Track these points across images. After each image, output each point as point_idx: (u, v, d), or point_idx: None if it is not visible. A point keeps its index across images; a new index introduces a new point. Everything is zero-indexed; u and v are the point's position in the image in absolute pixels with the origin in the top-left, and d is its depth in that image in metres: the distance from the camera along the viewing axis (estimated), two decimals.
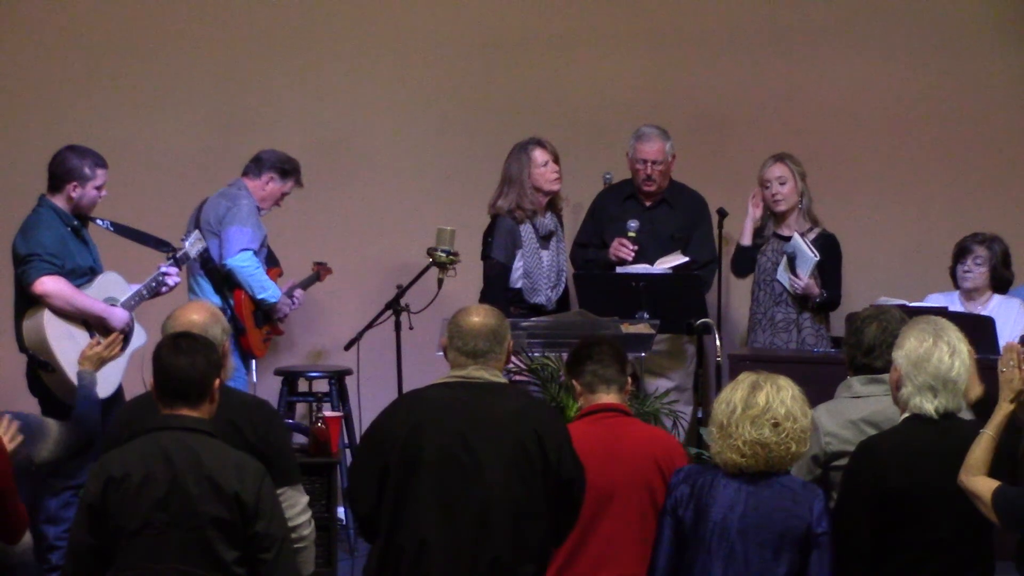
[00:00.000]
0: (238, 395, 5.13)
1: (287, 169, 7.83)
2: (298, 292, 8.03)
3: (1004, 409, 4.59)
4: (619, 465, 5.14)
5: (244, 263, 7.59)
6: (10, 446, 5.23)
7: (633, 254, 7.73)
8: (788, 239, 7.75)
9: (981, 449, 4.55)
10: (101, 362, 6.03)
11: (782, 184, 7.74)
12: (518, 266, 7.79)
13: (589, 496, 4.99)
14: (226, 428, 4.85)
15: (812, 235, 7.77)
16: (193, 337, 4.71)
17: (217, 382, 4.63)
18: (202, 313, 5.13)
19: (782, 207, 7.77)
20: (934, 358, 4.72)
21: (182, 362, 4.60)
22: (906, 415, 4.77)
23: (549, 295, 7.85)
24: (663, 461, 5.15)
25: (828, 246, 7.76)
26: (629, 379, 5.35)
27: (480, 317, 4.97)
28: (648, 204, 7.96)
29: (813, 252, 7.58)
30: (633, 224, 7.82)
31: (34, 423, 5.56)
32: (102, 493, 4.52)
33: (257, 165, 7.82)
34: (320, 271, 8.31)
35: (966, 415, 4.87)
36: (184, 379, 4.59)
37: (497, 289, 7.71)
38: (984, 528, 4.64)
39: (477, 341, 4.91)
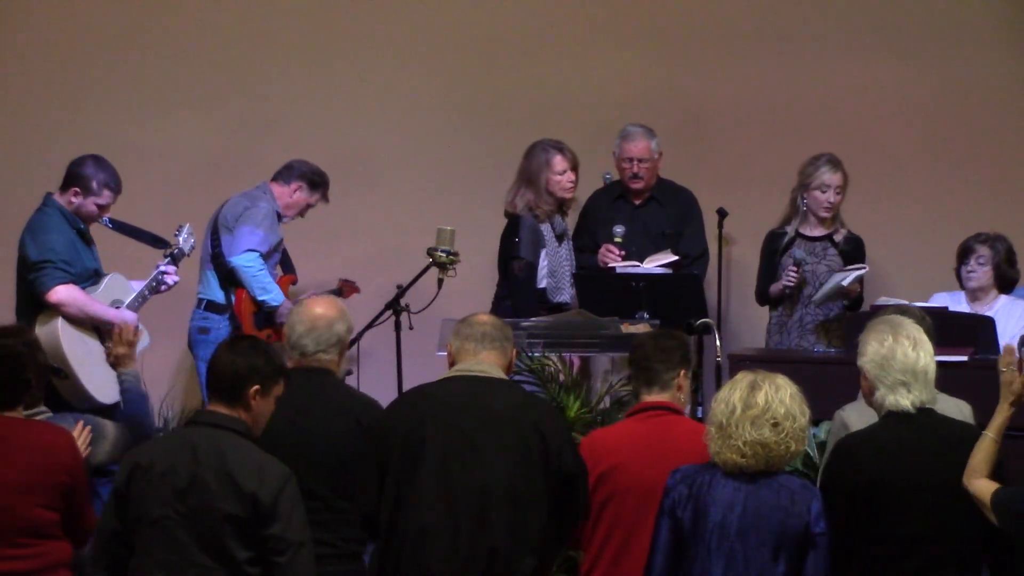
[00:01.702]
0: (358, 395, 5.28)
1: (316, 181, 7.88)
2: None
3: (1004, 411, 4.60)
4: (665, 464, 5.08)
5: (248, 263, 7.60)
6: (83, 451, 5.30)
7: (620, 259, 7.73)
8: (814, 239, 7.74)
9: (983, 451, 4.57)
10: (129, 357, 5.99)
11: (838, 193, 7.70)
12: (543, 265, 7.80)
13: (634, 496, 5.02)
14: (351, 425, 5.01)
15: (839, 236, 7.75)
16: (252, 340, 4.78)
17: (254, 389, 4.62)
18: (330, 308, 5.29)
19: (830, 214, 7.72)
20: (898, 354, 4.77)
21: (226, 359, 4.68)
22: (883, 414, 4.79)
23: (571, 292, 7.86)
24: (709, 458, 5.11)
25: (856, 246, 7.74)
26: (680, 372, 5.28)
27: (489, 316, 5.12)
28: (637, 203, 7.98)
29: (862, 267, 7.56)
30: (619, 229, 7.84)
31: (91, 424, 5.57)
32: (127, 480, 4.60)
33: (288, 172, 7.86)
34: (344, 288, 8.28)
35: (953, 407, 4.91)
36: (222, 375, 4.66)
37: (527, 289, 7.72)
38: (968, 526, 4.65)
39: (486, 328, 5.01)
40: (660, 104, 8.51)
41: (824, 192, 7.69)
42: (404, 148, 8.79)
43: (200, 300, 7.77)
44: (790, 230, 7.80)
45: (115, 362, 5.96)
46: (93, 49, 8.78)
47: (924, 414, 4.76)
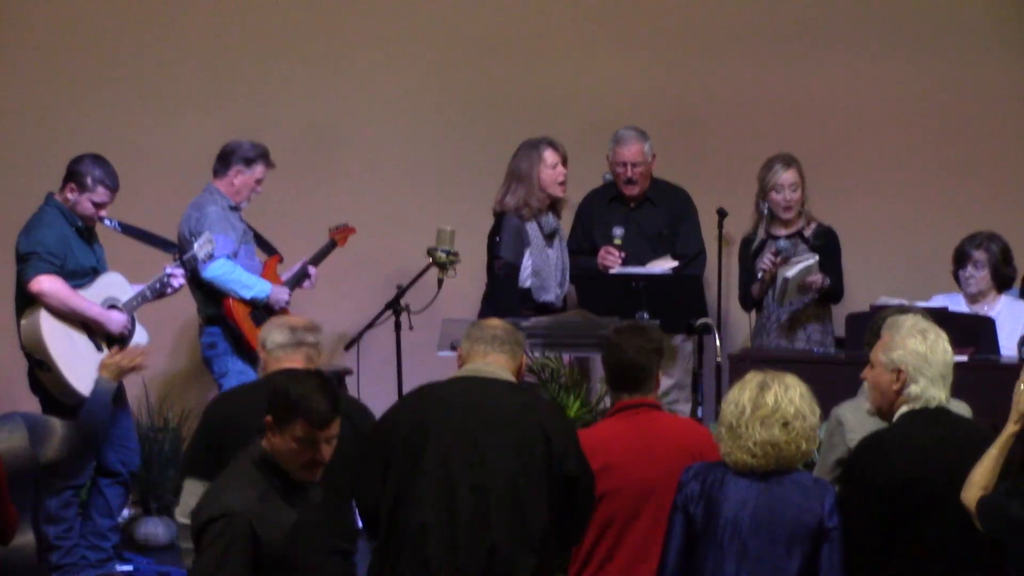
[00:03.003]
0: (349, 399, 5.39)
1: (251, 157, 7.70)
2: (311, 271, 7.97)
3: (1010, 429, 4.57)
4: (655, 462, 5.11)
5: (219, 272, 7.51)
6: None
7: (620, 261, 7.74)
8: (786, 239, 7.77)
9: (984, 468, 4.54)
10: (121, 372, 5.99)
11: (794, 191, 7.71)
12: (527, 265, 7.78)
13: (626, 494, 5.04)
14: (344, 427, 4.95)
15: (809, 231, 7.77)
16: (312, 376, 4.67)
17: (267, 418, 4.51)
18: (305, 319, 5.45)
19: (791, 214, 7.74)
20: (939, 349, 4.78)
21: None
22: (902, 411, 4.78)
23: (558, 293, 7.85)
24: (697, 452, 5.13)
25: (827, 240, 7.75)
26: (658, 371, 5.29)
27: (500, 321, 5.14)
28: (632, 205, 7.99)
29: (811, 256, 7.57)
30: (618, 231, 7.85)
31: (39, 422, 5.57)
32: None
33: (223, 162, 7.70)
34: (336, 237, 8.15)
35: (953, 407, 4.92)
36: None
37: (508, 289, 7.70)
38: None
39: (497, 331, 5.03)
40: (659, 104, 8.52)
41: (779, 192, 7.71)
42: (404, 148, 8.78)
43: (201, 318, 7.71)
44: (760, 234, 7.82)
45: (104, 367, 5.98)
46: (94, 49, 8.76)
47: (943, 411, 4.78)
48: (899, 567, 4.65)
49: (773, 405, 4.56)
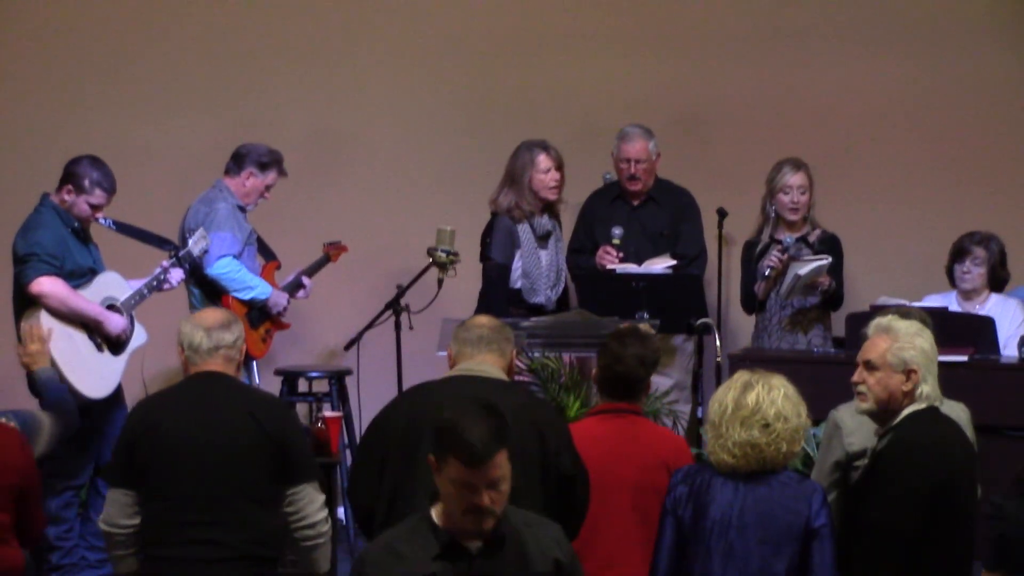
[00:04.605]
0: (255, 390, 5.35)
1: (266, 162, 7.72)
2: (306, 281, 7.98)
3: None
4: (628, 466, 5.14)
5: (224, 269, 7.53)
6: None
7: (618, 261, 7.74)
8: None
9: None
10: (43, 355, 6.04)
11: (803, 193, 7.70)
12: (516, 266, 7.79)
13: (596, 496, 5.02)
14: (246, 421, 5.04)
15: (813, 236, 7.76)
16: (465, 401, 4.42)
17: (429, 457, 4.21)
18: (225, 315, 5.37)
19: (798, 216, 7.73)
20: (935, 347, 4.82)
21: None
22: (910, 411, 4.77)
23: (549, 295, 7.85)
24: (672, 463, 5.14)
25: (831, 245, 7.75)
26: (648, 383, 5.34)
27: (487, 319, 5.14)
28: (635, 203, 7.98)
29: (823, 258, 7.56)
30: (617, 231, 7.84)
31: (30, 419, 5.58)
32: None
33: (237, 162, 7.72)
34: (330, 252, 8.17)
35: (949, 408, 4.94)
36: None
37: (498, 290, 7.71)
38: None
39: (483, 331, 5.03)
40: (660, 104, 8.52)
41: (787, 194, 7.70)
42: (404, 148, 8.79)
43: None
44: (764, 237, 7.81)
45: (33, 363, 5.96)
46: (94, 49, 8.78)
47: (939, 410, 4.82)
48: (940, 566, 4.65)
49: (754, 406, 4.54)
